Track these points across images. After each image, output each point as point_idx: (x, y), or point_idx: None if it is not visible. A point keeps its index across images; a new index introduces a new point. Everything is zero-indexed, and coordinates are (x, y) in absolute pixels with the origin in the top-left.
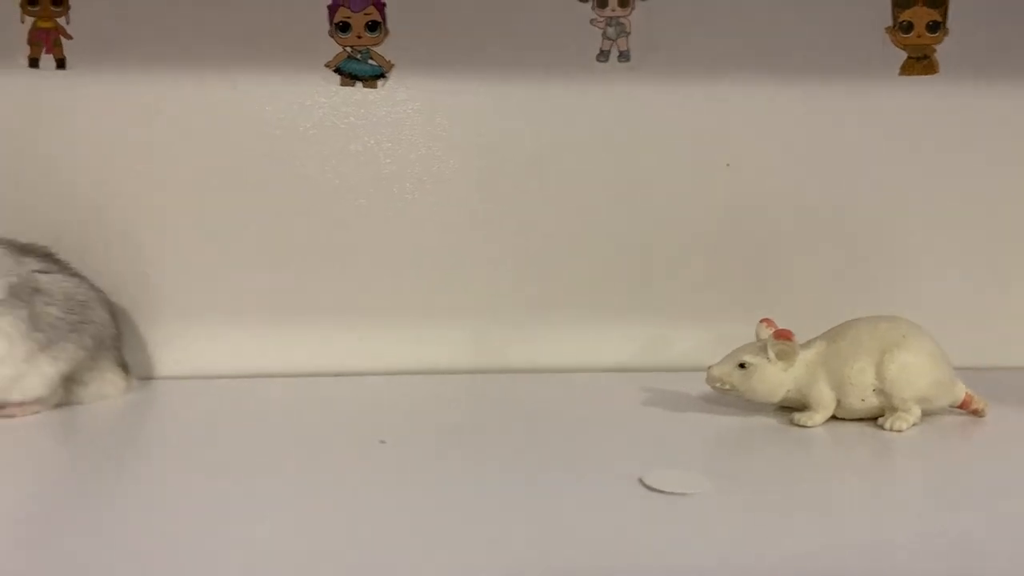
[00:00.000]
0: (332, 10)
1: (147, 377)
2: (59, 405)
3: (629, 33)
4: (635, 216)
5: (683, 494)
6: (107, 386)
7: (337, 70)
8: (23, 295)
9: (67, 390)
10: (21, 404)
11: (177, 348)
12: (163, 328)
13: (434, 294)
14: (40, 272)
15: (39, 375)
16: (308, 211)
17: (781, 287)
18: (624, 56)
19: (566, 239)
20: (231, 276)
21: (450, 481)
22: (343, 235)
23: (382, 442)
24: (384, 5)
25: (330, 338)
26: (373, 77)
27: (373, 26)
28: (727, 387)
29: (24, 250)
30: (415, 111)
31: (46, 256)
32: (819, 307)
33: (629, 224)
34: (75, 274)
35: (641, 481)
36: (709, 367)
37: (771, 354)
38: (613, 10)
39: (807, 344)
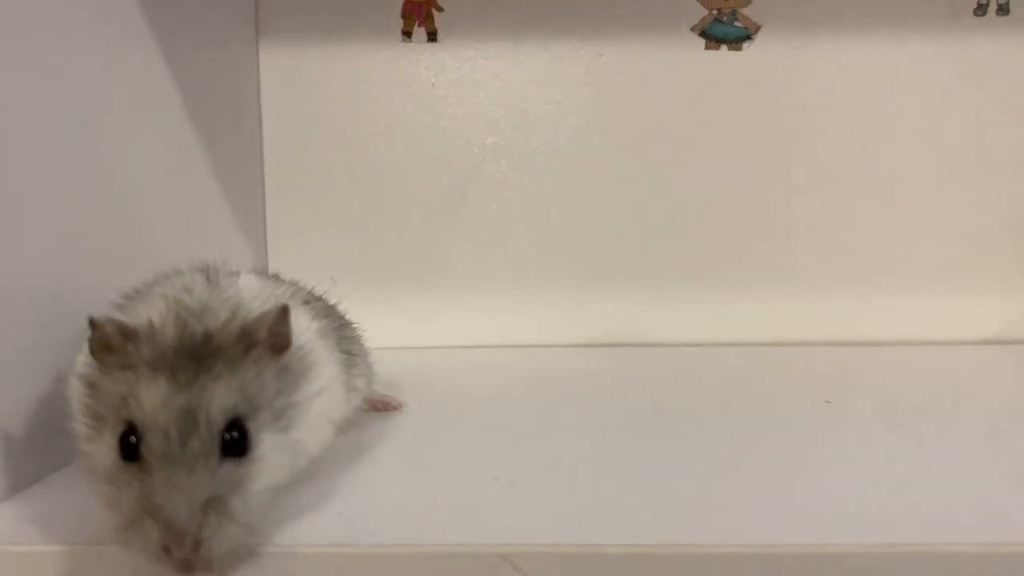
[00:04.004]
0: None
1: None
2: None
3: None
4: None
5: None
6: None
7: (702, 33)
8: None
9: None
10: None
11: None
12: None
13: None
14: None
15: None
16: (664, 170)
17: None
18: (1004, 9)
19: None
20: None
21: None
22: (702, 198)
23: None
24: None
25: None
26: (738, 40)
27: None
28: None
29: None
30: (779, 72)
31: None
32: None
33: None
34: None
35: None
36: None
37: None
38: None
39: None
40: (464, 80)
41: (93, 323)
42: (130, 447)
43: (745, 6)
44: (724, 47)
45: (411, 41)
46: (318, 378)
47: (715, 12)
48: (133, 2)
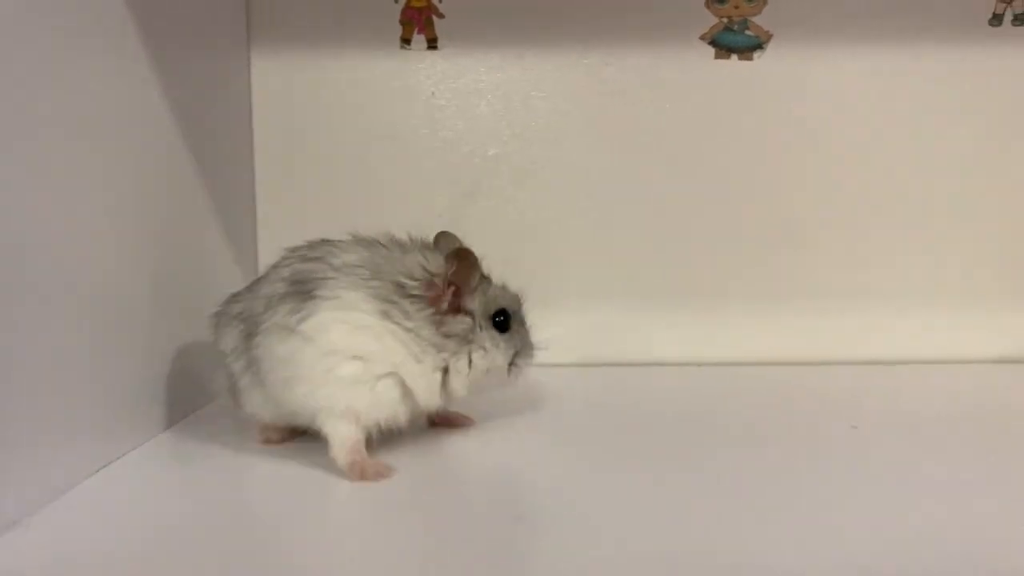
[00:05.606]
0: None
1: None
2: None
3: None
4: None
5: None
6: None
7: (712, 42)
8: None
9: None
10: None
11: None
12: None
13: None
14: None
15: None
16: (674, 181)
17: None
18: (1020, 19)
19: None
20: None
21: None
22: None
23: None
24: None
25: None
26: (749, 49)
27: None
28: None
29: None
30: (790, 82)
31: None
32: None
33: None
34: None
35: None
36: None
37: None
38: None
39: None
40: (465, 89)
41: (463, 251)
42: (503, 321)
43: (756, 15)
44: (734, 56)
45: (410, 48)
46: None
47: (725, 20)
48: (123, 8)
